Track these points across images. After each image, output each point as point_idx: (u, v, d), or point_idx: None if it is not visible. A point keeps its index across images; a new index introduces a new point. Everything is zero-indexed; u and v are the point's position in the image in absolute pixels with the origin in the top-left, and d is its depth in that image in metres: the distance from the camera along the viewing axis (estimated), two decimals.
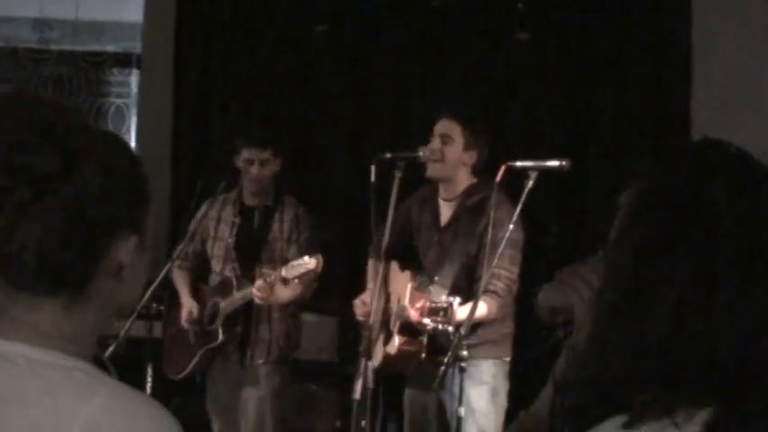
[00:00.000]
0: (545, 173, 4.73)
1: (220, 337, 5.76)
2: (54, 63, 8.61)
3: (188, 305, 5.88)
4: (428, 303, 4.74)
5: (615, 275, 1.46)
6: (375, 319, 5.01)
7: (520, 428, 5.33)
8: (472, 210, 5.13)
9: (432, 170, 5.20)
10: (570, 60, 7.66)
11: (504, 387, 5.17)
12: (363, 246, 5.62)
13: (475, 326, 4.88)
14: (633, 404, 1.36)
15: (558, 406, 4.74)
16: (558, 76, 7.70)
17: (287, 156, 6.01)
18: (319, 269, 5.40)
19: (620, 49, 7.62)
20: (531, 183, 4.67)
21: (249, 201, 5.95)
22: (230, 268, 5.86)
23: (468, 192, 5.22)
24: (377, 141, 7.08)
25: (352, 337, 6.15)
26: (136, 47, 8.52)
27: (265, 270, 5.58)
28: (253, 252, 5.84)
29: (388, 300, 5.30)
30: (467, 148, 5.20)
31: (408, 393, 5.39)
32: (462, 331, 4.63)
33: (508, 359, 5.21)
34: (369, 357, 4.72)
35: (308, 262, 5.39)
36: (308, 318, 6.16)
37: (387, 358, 5.11)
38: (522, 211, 4.73)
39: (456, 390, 4.81)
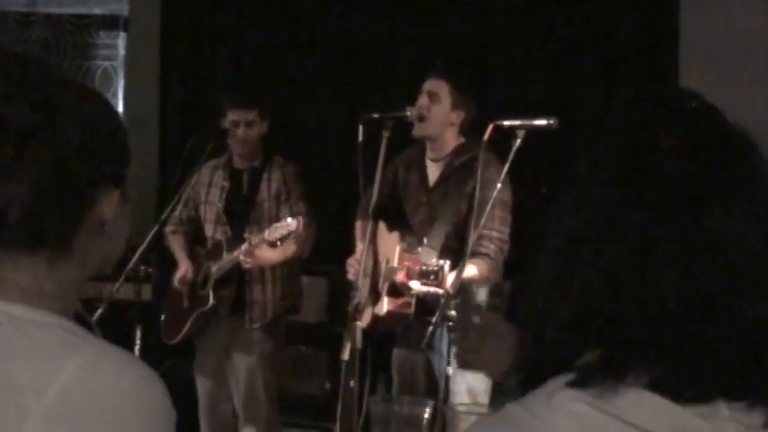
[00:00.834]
0: (533, 132, 4.72)
1: (210, 300, 5.75)
2: (41, 26, 8.58)
3: (183, 267, 5.89)
4: (418, 266, 4.73)
5: (564, 227, 1.45)
6: (363, 279, 5.00)
7: None
8: (461, 169, 5.10)
9: (418, 129, 5.16)
10: (556, 30, 7.63)
11: None
12: (351, 206, 5.61)
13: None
14: (579, 363, 1.35)
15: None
16: (546, 33, 7.66)
17: (274, 117, 5.99)
18: (300, 229, 5.39)
19: (608, 18, 7.58)
20: (518, 142, 4.65)
21: (238, 164, 5.94)
22: (221, 231, 5.86)
23: (457, 152, 5.19)
24: (364, 101, 7.06)
25: (341, 298, 6.14)
26: (123, 9, 8.49)
27: (248, 234, 5.57)
28: (242, 215, 5.83)
29: (376, 260, 5.29)
30: (454, 107, 5.17)
31: (396, 353, 5.39)
32: (450, 290, 4.62)
33: None
34: (357, 318, 4.72)
35: (290, 224, 5.37)
36: None
37: (376, 318, 5.10)
38: (509, 170, 4.71)
39: (444, 349, 4.81)
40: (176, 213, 5.91)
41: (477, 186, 4.76)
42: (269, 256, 5.59)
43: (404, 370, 5.36)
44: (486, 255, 4.98)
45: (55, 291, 1.46)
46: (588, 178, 1.44)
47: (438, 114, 5.15)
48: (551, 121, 4.68)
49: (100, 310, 4.89)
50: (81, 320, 1.50)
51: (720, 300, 1.31)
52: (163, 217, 5.74)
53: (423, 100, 5.17)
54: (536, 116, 4.73)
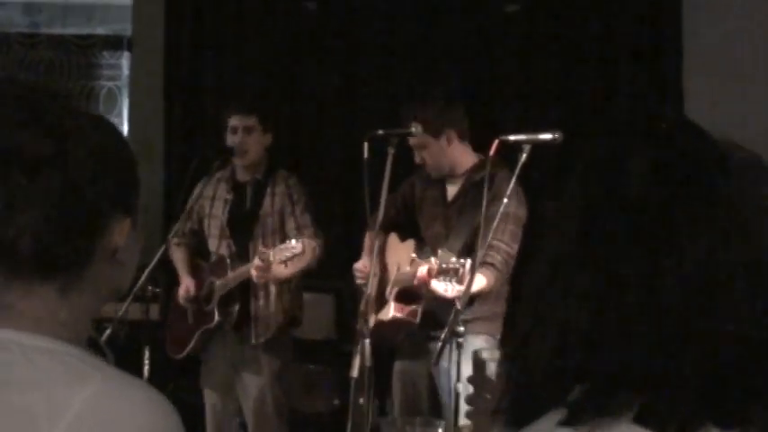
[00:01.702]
0: (538, 146, 4.72)
1: (216, 318, 5.75)
2: (44, 47, 8.59)
3: (185, 283, 5.88)
4: (437, 264, 4.73)
5: (542, 257, 1.44)
6: (370, 291, 5.00)
7: None
8: (479, 185, 5.12)
9: (431, 169, 5.28)
10: (560, 32, 7.64)
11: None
12: (357, 224, 5.61)
13: (471, 300, 4.87)
14: (569, 399, 1.34)
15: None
16: (548, 48, 7.67)
17: (279, 134, 5.99)
18: (306, 250, 5.39)
19: (611, 19, 7.60)
20: (524, 156, 4.66)
21: (241, 176, 5.92)
22: (225, 246, 5.85)
23: (476, 168, 5.23)
24: (368, 118, 7.07)
25: (348, 315, 6.15)
26: (126, 29, 8.50)
27: (263, 249, 5.55)
28: (245, 228, 5.81)
29: (384, 271, 5.30)
30: (436, 134, 5.22)
31: (399, 366, 5.40)
32: (459, 305, 4.62)
33: (498, 337, 5.21)
34: (365, 335, 4.71)
35: (295, 246, 5.35)
36: (304, 296, 6.15)
37: (378, 326, 5.09)
38: (525, 188, 4.75)
39: (449, 365, 4.80)
40: (180, 226, 5.88)
41: (485, 201, 4.76)
42: (281, 271, 5.56)
43: (406, 383, 5.36)
44: (493, 265, 4.99)
45: (67, 319, 1.46)
46: (562, 207, 1.44)
47: (434, 150, 5.27)
48: (556, 135, 4.69)
49: (108, 331, 4.89)
50: (92, 342, 1.50)
51: (693, 326, 1.29)
52: (170, 235, 5.72)
53: (417, 156, 5.27)
54: (541, 130, 4.75)
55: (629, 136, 1.44)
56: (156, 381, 1.40)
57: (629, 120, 1.48)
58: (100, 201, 1.45)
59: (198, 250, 6.04)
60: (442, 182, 5.35)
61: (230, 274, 5.70)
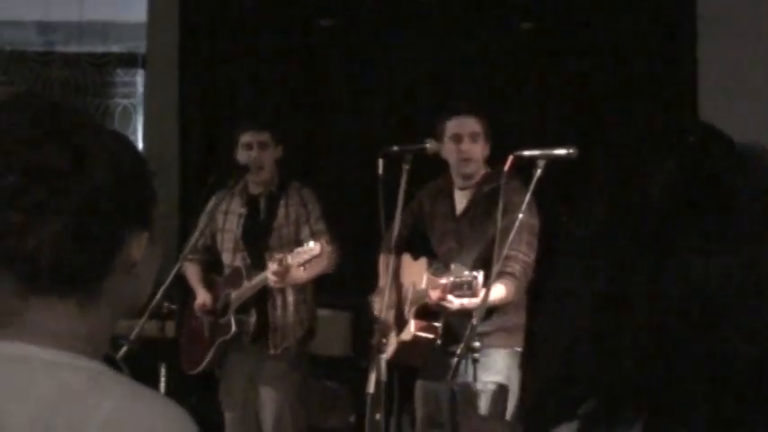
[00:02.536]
0: (553, 161, 4.73)
1: (233, 328, 5.76)
2: (59, 66, 8.62)
3: (201, 296, 5.89)
4: (451, 278, 4.73)
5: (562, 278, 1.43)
6: (387, 312, 5.00)
7: None
8: (487, 197, 5.13)
9: (467, 169, 5.25)
10: (574, 49, 7.65)
11: (516, 377, 5.16)
12: (373, 240, 5.62)
13: (489, 312, 4.86)
14: (581, 412, 1.34)
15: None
16: (562, 65, 7.68)
17: (289, 143, 6.01)
18: (323, 252, 5.40)
19: (624, 35, 7.60)
20: (539, 171, 4.67)
21: (254, 190, 5.95)
22: (240, 258, 5.86)
23: (484, 180, 5.23)
24: (383, 135, 7.08)
25: (365, 332, 6.15)
26: (140, 47, 8.53)
27: (277, 254, 5.56)
28: (260, 241, 5.83)
29: (400, 292, 5.29)
30: (486, 140, 5.24)
31: (420, 385, 5.39)
32: (475, 320, 4.62)
33: (520, 349, 5.18)
34: (381, 351, 4.72)
35: (313, 248, 5.39)
36: (320, 313, 6.15)
37: (400, 346, 5.09)
38: (536, 198, 4.74)
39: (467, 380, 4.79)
40: (193, 242, 5.89)
41: (499, 214, 4.77)
42: (298, 275, 5.57)
43: (428, 402, 5.34)
44: (512, 274, 4.98)
45: (87, 333, 1.46)
46: (578, 218, 1.44)
47: (481, 153, 5.21)
48: (571, 151, 4.71)
49: (125, 348, 4.89)
50: (108, 359, 1.50)
51: (695, 342, 1.29)
52: (185, 252, 5.74)
53: (465, 144, 5.19)
54: (556, 146, 4.76)
55: (654, 145, 1.43)
56: (173, 398, 1.39)
57: (654, 129, 1.47)
58: (117, 215, 1.46)
59: (211, 266, 6.05)
60: (449, 194, 5.34)
61: (246, 284, 5.71)
